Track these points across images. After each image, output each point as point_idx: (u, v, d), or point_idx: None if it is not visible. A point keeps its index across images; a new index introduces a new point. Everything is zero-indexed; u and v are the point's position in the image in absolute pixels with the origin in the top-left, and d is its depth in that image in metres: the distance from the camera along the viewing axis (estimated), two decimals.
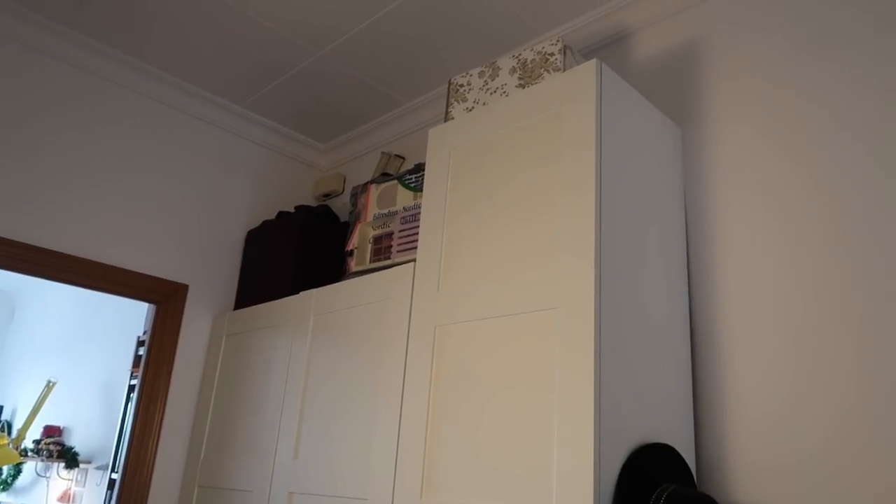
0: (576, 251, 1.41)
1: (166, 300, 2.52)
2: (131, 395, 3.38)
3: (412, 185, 2.10)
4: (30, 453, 4.09)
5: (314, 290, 2.12)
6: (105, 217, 2.43)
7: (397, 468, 1.60)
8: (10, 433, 4.71)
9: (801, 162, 1.58)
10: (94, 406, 4.07)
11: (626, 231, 1.49)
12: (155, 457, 2.43)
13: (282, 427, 2.02)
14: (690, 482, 1.42)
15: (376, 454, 1.68)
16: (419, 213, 2.00)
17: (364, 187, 2.25)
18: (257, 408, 2.17)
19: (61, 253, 2.31)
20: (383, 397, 1.73)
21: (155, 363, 2.47)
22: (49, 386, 4.38)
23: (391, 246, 2.05)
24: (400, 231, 2.04)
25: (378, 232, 2.10)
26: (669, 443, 1.45)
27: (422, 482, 1.53)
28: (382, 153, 2.70)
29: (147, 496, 2.38)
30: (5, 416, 4.97)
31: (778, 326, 1.51)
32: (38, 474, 4.27)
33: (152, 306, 2.57)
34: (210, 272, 2.66)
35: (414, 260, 1.84)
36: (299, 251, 2.38)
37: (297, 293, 2.21)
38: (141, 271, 2.47)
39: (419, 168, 2.11)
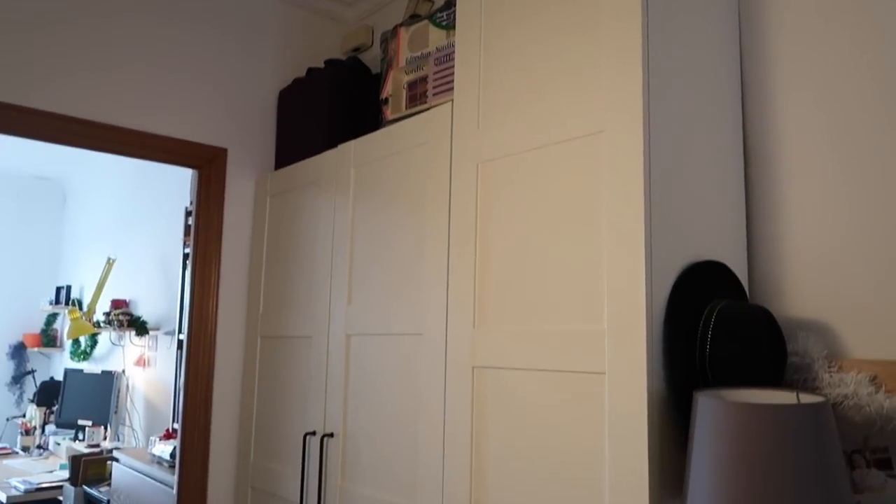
0: (622, 70, 1.33)
1: (208, 165, 2.54)
2: (187, 262, 3.52)
3: (444, 23, 1.99)
4: (102, 325, 4.37)
5: (352, 142, 2.10)
6: (139, 86, 2.40)
7: (449, 303, 1.65)
8: (81, 308, 5.02)
9: None
10: (154, 277, 4.27)
11: (674, 47, 1.40)
12: (217, 316, 2.56)
13: (333, 276, 2.09)
14: (743, 297, 1.43)
15: (428, 292, 1.73)
16: (453, 51, 1.91)
17: (394, 31, 2.15)
18: (308, 261, 2.24)
19: (102, 123, 2.32)
20: (431, 239, 1.75)
21: (205, 227, 2.54)
22: (110, 263, 4.59)
23: (426, 91, 1.99)
24: (435, 73, 1.96)
25: (412, 77, 2.03)
26: (722, 261, 1.44)
27: (474, 314, 1.58)
28: None
29: (214, 351, 2.54)
30: (74, 293, 5.28)
31: (835, 144, 1.44)
32: (113, 343, 4.59)
33: (195, 177, 2.60)
34: (247, 135, 2.66)
35: (452, 100, 1.78)
36: (333, 104, 2.34)
37: (336, 147, 2.20)
38: (180, 137, 2.48)
39: (450, 4, 1.99)
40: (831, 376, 1.31)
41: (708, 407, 1.14)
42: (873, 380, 1.28)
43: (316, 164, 2.26)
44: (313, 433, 2.07)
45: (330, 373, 2.04)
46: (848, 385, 1.28)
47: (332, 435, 2.00)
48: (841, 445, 1.30)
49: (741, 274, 1.51)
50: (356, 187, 2.06)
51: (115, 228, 4.85)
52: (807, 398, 1.17)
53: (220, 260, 2.56)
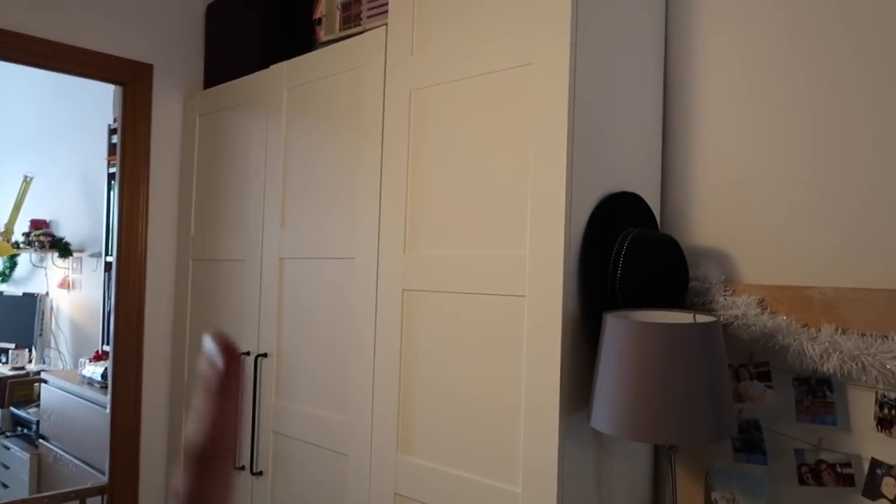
0: (551, 4, 1.36)
1: (133, 81, 2.44)
2: (112, 182, 3.40)
3: None
4: (22, 246, 4.21)
5: (285, 63, 2.06)
6: None
7: (381, 228, 1.70)
8: None
9: None
10: (76, 198, 4.12)
11: None
12: (147, 238, 2.52)
13: (266, 200, 2.09)
14: (654, 227, 1.54)
15: (360, 218, 1.77)
16: None
17: None
18: (241, 183, 2.22)
19: (16, 33, 2.18)
20: (364, 165, 1.77)
21: (132, 147, 2.46)
22: (27, 181, 4.37)
23: (360, 13, 1.96)
24: None
25: None
26: (638, 192, 1.53)
27: (404, 238, 1.64)
28: None
29: (144, 273, 2.52)
30: None
31: (747, 87, 1.53)
32: (35, 265, 4.44)
33: (119, 94, 2.49)
34: (174, 51, 2.55)
35: (386, 24, 1.77)
36: (264, 22, 2.27)
37: (268, 67, 2.15)
38: (102, 51, 2.36)
39: None
40: (725, 299, 1.45)
41: (614, 326, 1.26)
42: (761, 302, 1.42)
43: (247, 84, 2.21)
44: (247, 353, 2.13)
45: (263, 295, 2.08)
46: (739, 307, 1.42)
47: (265, 355, 2.06)
48: (728, 360, 1.46)
49: (654, 205, 1.61)
50: (289, 110, 2.04)
51: (31, 145, 4.60)
52: (702, 318, 1.30)
53: (148, 181, 2.51)
